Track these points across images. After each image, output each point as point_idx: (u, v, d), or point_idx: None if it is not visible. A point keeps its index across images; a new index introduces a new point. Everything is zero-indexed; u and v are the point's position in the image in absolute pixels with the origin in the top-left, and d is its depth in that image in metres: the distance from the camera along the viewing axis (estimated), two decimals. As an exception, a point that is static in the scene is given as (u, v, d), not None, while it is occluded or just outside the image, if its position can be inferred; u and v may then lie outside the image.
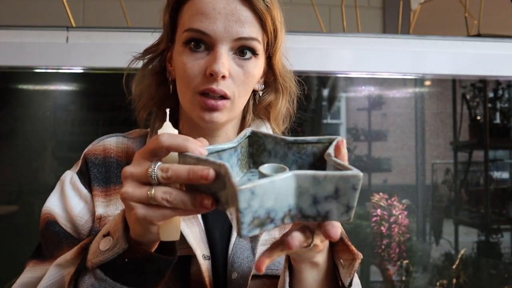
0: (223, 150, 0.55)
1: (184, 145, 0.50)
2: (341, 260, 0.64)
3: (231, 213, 0.48)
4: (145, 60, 0.81)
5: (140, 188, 0.51)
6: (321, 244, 0.54)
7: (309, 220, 0.48)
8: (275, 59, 0.77)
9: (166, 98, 0.81)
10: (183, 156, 0.53)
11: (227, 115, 0.72)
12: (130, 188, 0.51)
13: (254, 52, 0.71)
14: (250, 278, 0.70)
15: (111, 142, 0.80)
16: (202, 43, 0.70)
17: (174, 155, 0.53)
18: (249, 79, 0.72)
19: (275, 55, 0.77)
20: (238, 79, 0.71)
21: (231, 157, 0.57)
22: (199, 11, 0.69)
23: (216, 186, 0.49)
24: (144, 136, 0.82)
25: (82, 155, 0.80)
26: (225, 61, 0.68)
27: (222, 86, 0.69)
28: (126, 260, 0.55)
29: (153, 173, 0.50)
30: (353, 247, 0.64)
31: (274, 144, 0.59)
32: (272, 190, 0.45)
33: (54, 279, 0.63)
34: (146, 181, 0.51)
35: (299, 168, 0.59)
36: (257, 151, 0.60)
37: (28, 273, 0.71)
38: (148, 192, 0.50)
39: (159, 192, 0.50)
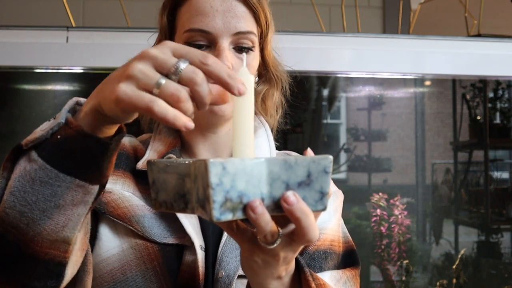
0: None
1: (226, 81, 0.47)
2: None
3: (202, 195, 0.45)
4: None
5: (153, 71, 0.47)
6: (282, 253, 0.52)
7: (283, 213, 0.47)
8: (266, 50, 0.81)
9: None
10: (150, 164, 0.51)
11: None
12: (142, 65, 0.47)
13: (251, 45, 0.75)
14: (236, 278, 0.70)
15: (125, 139, 0.83)
16: (203, 41, 0.73)
17: None
18: (250, 70, 0.76)
19: (267, 47, 0.81)
20: None
21: None
22: (198, 11, 0.72)
23: (186, 187, 0.48)
24: (149, 140, 0.84)
25: None
26: (228, 54, 0.72)
27: None
28: (59, 137, 0.51)
29: (179, 68, 0.46)
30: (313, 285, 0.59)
31: None
32: (243, 170, 0.45)
33: None
34: (163, 72, 0.47)
35: None
36: None
37: None
38: (160, 79, 0.46)
39: (172, 84, 0.46)
